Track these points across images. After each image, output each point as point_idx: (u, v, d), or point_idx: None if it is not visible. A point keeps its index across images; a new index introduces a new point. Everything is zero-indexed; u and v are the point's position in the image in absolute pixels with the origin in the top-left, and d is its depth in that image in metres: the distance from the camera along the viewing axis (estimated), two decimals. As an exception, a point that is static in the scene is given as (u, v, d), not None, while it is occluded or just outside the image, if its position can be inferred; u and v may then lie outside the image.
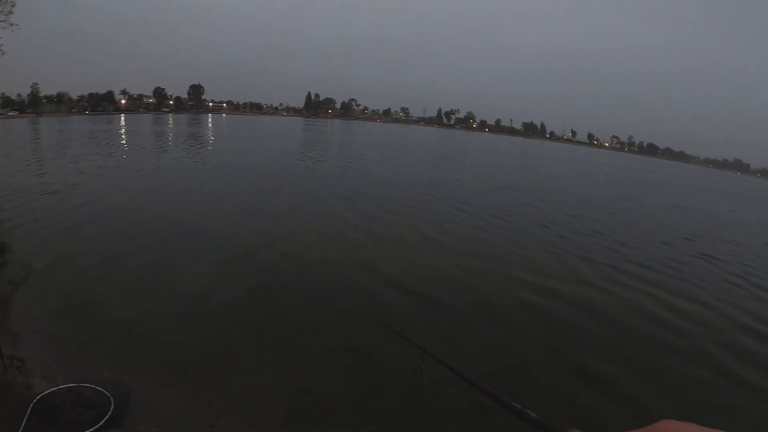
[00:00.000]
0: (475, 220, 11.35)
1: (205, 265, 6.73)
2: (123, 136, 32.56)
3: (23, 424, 2.92)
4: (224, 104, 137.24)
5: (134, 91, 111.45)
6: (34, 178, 13.29)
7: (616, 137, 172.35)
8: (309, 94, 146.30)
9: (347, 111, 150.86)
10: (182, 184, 13.62)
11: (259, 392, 3.84)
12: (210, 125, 57.58)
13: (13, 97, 79.01)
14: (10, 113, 69.72)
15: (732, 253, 11.01)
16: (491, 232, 10.23)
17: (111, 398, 3.24)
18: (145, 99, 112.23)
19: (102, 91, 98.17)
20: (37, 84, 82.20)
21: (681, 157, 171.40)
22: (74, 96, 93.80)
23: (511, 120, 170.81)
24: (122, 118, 67.17)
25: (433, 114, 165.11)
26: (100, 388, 3.31)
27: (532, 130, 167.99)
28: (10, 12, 15.21)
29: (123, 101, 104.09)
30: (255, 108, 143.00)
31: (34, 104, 79.59)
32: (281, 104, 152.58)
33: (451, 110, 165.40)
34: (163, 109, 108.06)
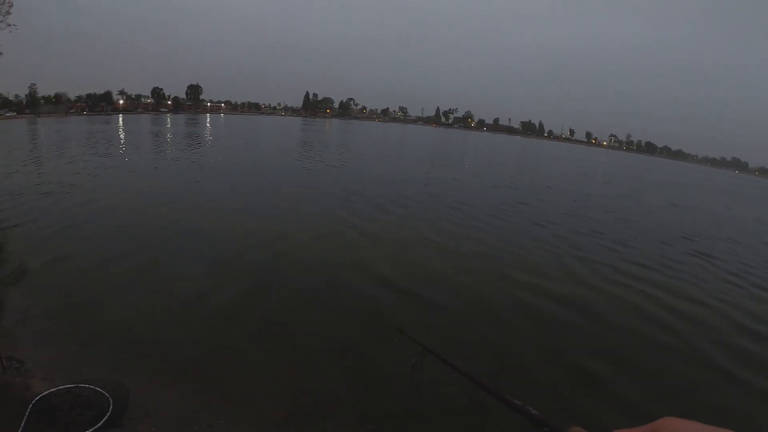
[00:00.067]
0: (473, 219, 11.37)
1: (204, 265, 6.73)
2: (121, 137, 32.49)
3: (22, 425, 2.92)
4: (222, 104, 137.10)
5: (132, 91, 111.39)
6: (32, 178, 13.26)
7: (615, 136, 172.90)
8: (307, 94, 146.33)
9: (345, 110, 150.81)
10: (181, 184, 13.61)
11: (258, 392, 3.84)
12: (208, 125, 57.49)
13: (11, 98, 78.78)
14: (8, 114, 69.40)
15: (730, 252, 11.05)
16: (489, 232, 10.24)
17: (110, 399, 3.24)
18: (143, 99, 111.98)
19: (100, 91, 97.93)
20: (35, 84, 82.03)
21: (679, 155, 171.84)
22: (72, 96, 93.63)
23: (510, 119, 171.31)
24: (120, 119, 67.02)
25: (432, 113, 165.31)
26: (99, 389, 3.30)
27: (530, 129, 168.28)
28: (8, 12, 15.19)
29: (121, 101, 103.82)
30: (253, 108, 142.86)
31: (32, 105, 79.31)
32: (279, 104, 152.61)
33: (450, 109, 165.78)
34: (161, 110, 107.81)
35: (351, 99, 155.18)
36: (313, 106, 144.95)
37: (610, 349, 5.15)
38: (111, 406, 3.18)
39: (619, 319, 5.96)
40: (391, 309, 5.71)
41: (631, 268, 8.29)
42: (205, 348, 4.49)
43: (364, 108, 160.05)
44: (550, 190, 19.50)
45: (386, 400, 3.91)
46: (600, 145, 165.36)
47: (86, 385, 3.33)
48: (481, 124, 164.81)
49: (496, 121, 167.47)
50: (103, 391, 3.29)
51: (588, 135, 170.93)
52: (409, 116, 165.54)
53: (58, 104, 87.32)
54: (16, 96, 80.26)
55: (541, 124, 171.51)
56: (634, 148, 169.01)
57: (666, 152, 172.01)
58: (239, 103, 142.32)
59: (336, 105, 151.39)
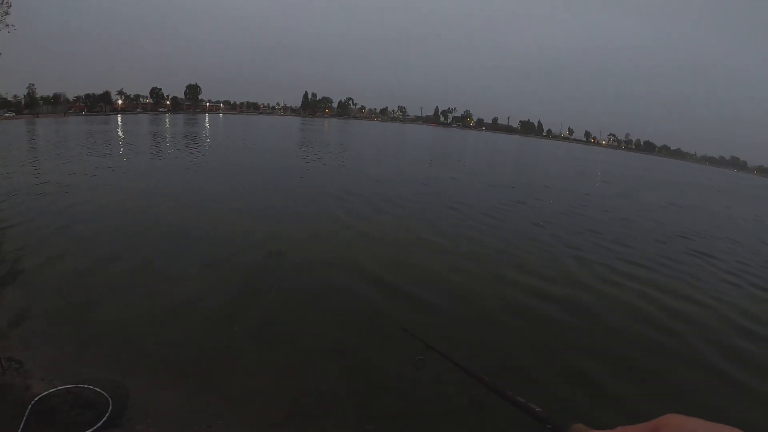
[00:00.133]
0: (471, 219, 11.37)
1: (203, 265, 6.72)
2: (120, 137, 32.44)
3: (22, 426, 2.91)
4: (221, 104, 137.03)
5: (131, 91, 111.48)
6: (30, 178, 13.23)
7: (613, 135, 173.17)
8: (306, 94, 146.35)
9: (344, 110, 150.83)
10: (179, 183, 13.58)
11: (258, 392, 3.84)
12: (207, 125, 57.43)
13: (9, 99, 78.65)
14: (6, 114, 69.31)
15: (729, 251, 11.06)
16: (487, 232, 10.24)
17: (109, 399, 3.23)
18: (142, 99, 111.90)
19: (99, 91, 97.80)
20: (33, 85, 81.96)
21: (678, 154, 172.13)
22: (71, 97, 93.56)
23: (509, 118, 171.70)
24: (119, 119, 66.94)
25: (431, 113, 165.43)
26: (98, 389, 3.30)
27: (529, 129, 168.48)
28: (6, 13, 15.16)
29: (120, 101, 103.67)
30: (252, 108, 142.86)
31: (30, 105, 79.23)
32: (278, 104, 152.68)
33: (449, 109, 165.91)
34: (160, 110, 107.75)
35: (350, 99, 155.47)
36: (312, 106, 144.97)
37: (610, 348, 5.16)
38: (110, 407, 3.18)
39: (617, 319, 5.97)
40: (390, 309, 5.71)
41: (630, 268, 8.29)
42: (205, 348, 4.48)
43: (363, 108, 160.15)
44: (549, 189, 19.52)
45: (386, 400, 3.90)
46: (599, 144, 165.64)
47: (86, 386, 3.33)
48: (480, 123, 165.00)
49: (494, 120, 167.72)
50: (103, 392, 3.29)
51: (587, 134, 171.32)
52: (408, 116, 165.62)
53: (57, 104, 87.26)
54: (15, 96, 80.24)
55: (540, 124, 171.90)
56: (633, 147, 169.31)
57: (665, 151, 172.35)
58: (238, 102, 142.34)
59: (335, 105, 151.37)
